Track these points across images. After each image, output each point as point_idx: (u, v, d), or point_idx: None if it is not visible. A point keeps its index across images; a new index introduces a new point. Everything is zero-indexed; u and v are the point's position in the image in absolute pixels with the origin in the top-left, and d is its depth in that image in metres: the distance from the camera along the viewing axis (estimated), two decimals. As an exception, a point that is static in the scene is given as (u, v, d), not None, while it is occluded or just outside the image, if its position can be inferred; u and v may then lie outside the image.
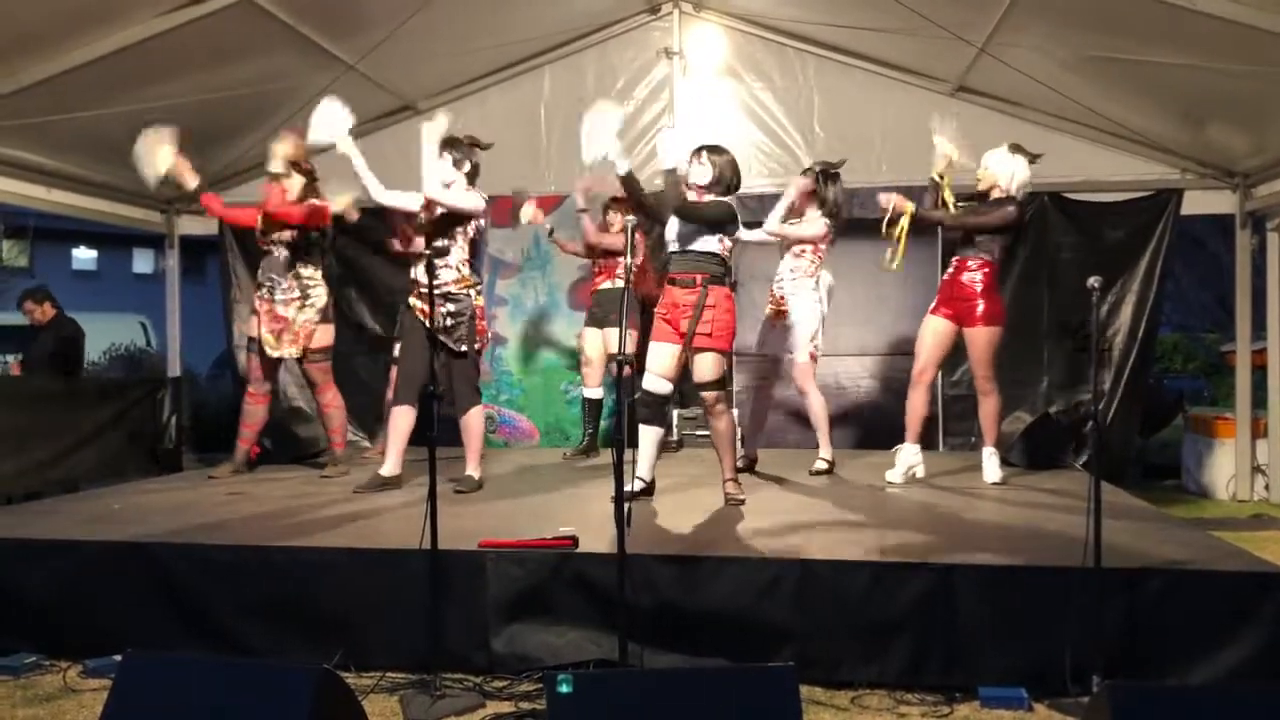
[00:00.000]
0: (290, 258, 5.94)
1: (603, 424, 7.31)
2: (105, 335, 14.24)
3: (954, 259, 5.67)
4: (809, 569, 3.70)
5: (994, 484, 5.59)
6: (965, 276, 5.59)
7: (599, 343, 6.88)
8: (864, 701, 3.48)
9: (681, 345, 4.90)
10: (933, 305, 5.70)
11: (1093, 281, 3.64)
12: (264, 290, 5.99)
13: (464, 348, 5.34)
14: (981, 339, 5.57)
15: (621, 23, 7.89)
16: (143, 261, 24.15)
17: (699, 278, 4.88)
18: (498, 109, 8.02)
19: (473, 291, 5.37)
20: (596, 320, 6.86)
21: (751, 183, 7.47)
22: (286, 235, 5.92)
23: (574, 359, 7.49)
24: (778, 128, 7.79)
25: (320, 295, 6.00)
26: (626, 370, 3.94)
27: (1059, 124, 7.39)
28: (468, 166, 5.38)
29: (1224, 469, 7.51)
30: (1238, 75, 5.67)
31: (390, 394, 5.77)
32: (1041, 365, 7.51)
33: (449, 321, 5.29)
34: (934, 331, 5.64)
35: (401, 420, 5.41)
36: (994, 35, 6.36)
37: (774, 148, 7.70)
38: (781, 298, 6.02)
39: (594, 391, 7.04)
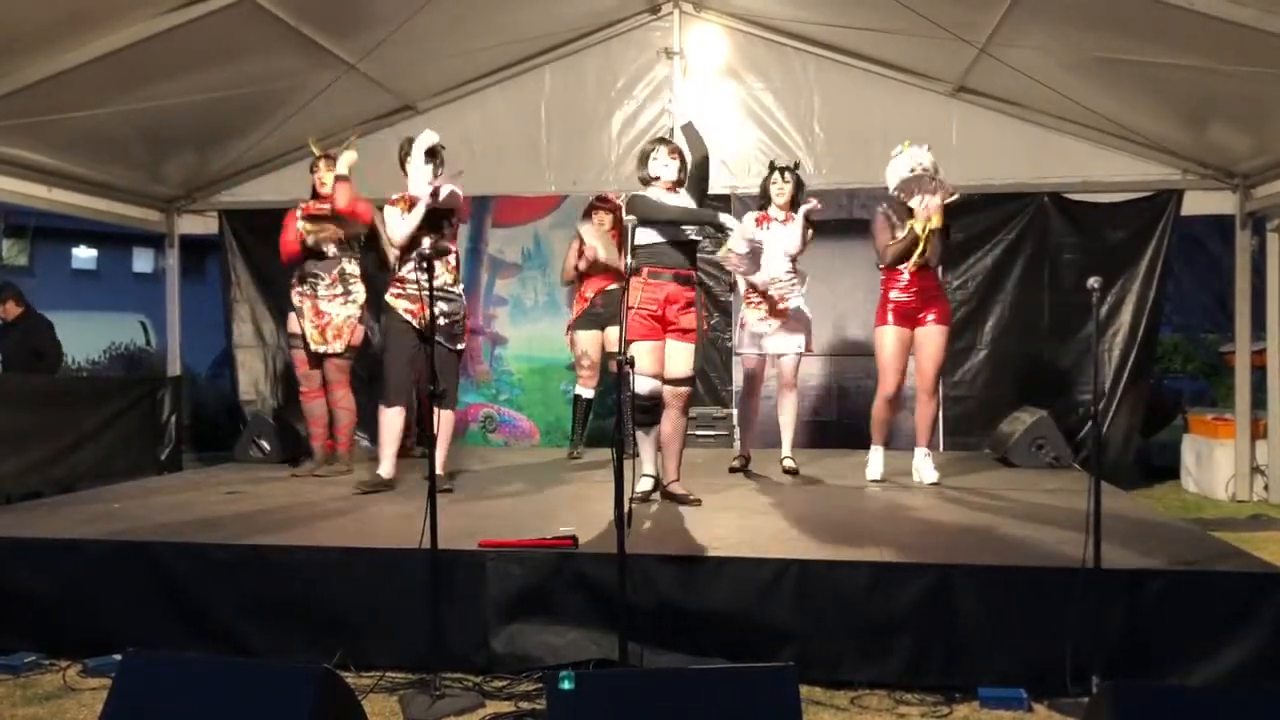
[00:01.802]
0: (337, 254, 6.01)
1: (598, 423, 7.34)
2: (105, 334, 14.27)
3: (911, 267, 5.60)
4: (809, 569, 3.70)
5: (932, 484, 5.64)
6: (932, 282, 5.70)
7: (599, 343, 6.85)
8: (864, 701, 3.48)
9: (663, 340, 4.88)
10: (889, 316, 5.65)
11: (1093, 282, 3.64)
12: (306, 286, 6.01)
13: (460, 346, 5.48)
14: (944, 339, 5.70)
15: (622, 23, 7.88)
16: (142, 261, 24.10)
17: (694, 273, 4.97)
18: (498, 108, 8.02)
19: (460, 289, 5.54)
20: (600, 321, 6.80)
21: (750, 184, 7.50)
22: (335, 233, 6.00)
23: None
24: (778, 128, 7.79)
25: (361, 292, 6.06)
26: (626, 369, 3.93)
27: (1059, 124, 7.39)
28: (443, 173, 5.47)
29: (1223, 469, 7.51)
30: (1238, 76, 5.67)
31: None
32: (1042, 366, 7.51)
33: (443, 320, 5.30)
34: (904, 344, 5.66)
35: (395, 422, 5.45)
36: (995, 36, 6.35)
37: (774, 148, 7.67)
38: (782, 297, 6.04)
39: (589, 391, 7.04)
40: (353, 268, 6.04)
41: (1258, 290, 7.49)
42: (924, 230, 5.50)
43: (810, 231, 6.00)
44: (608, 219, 6.82)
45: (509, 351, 8.11)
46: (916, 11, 6.30)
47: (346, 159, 5.91)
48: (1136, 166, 7.43)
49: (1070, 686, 3.34)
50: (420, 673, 3.63)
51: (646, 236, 4.82)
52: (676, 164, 4.98)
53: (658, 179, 4.96)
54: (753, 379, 6.23)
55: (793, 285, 6.03)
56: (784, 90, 7.80)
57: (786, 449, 6.19)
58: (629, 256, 4.07)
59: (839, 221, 7.56)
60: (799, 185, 6.13)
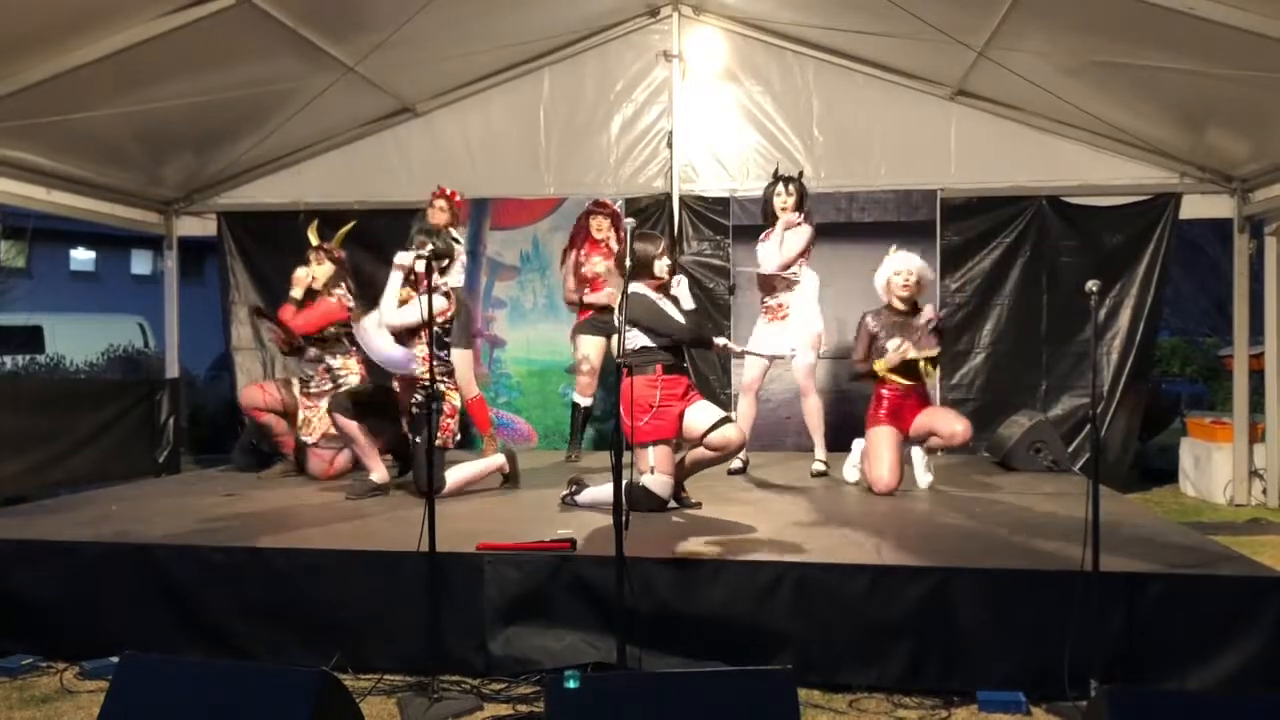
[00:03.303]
0: (319, 353, 6.13)
1: (597, 427, 7.34)
2: (103, 336, 14.27)
3: (900, 385, 5.56)
4: (807, 572, 3.70)
5: (925, 488, 5.64)
6: (923, 388, 5.65)
7: (603, 350, 6.83)
8: (862, 705, 3.48)
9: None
10: (882, 414, 5.56)
11: (1091, 285, 3.64)
12: (299, 383, 6.26)
13: (435, 442, 5.24)
14: (936, 406, 5.82)
15: (621, 25, 7.87)
16: (141, 263, 24.12)
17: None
18: (497, 111, 8.03)
19: (445, 387, 5.36)
20: (605, 329, 6.77)
21: (750, 186, 7.51)
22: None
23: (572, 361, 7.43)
24: (777, 131, 7.79)
25: (352, 383, 6.11)
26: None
27: (1057, 128, 7.40)
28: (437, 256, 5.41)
29: (1221, 473, 7.51)
30: (1236, 80, 5.67)
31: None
32: (1040, 369, 7.51)
33: (414, 410, 5.30)
34: (899, 441, 5.55)
35: (353, 426, 5.44)
36: (993, 39, 6.36)
37: (773, 151, 7.69)
38: (780, 304, 6.06)
39: (587, 400, 7.03)
40: (339, 362, 6.12)
41: (1256, 294, 7.50)
42: (885, 368, 5.49)
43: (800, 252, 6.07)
44: (605, 224, 6.82)
45: (507, 354, 8.10)
46: (915, 15, 6.31)
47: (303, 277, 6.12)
48: (1135, 170, 7.43)
49: (1068, 690, 3.34)
50: (418, 675, 3.63)
51: (658, 343, 4.82)
52: (671, 265, 5.02)
53: (662, 279, 4.94)
54: (752, 381, 6.24)
55: (792, 291, 6.07)
56: (783, 93, 7.80)
57: (819, 451, 6.21)
58: (629, 259, 4.07)
59: (838, 225, 7.56)
60: (803, 195, 6.15)
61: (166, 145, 7.46)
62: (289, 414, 6.28)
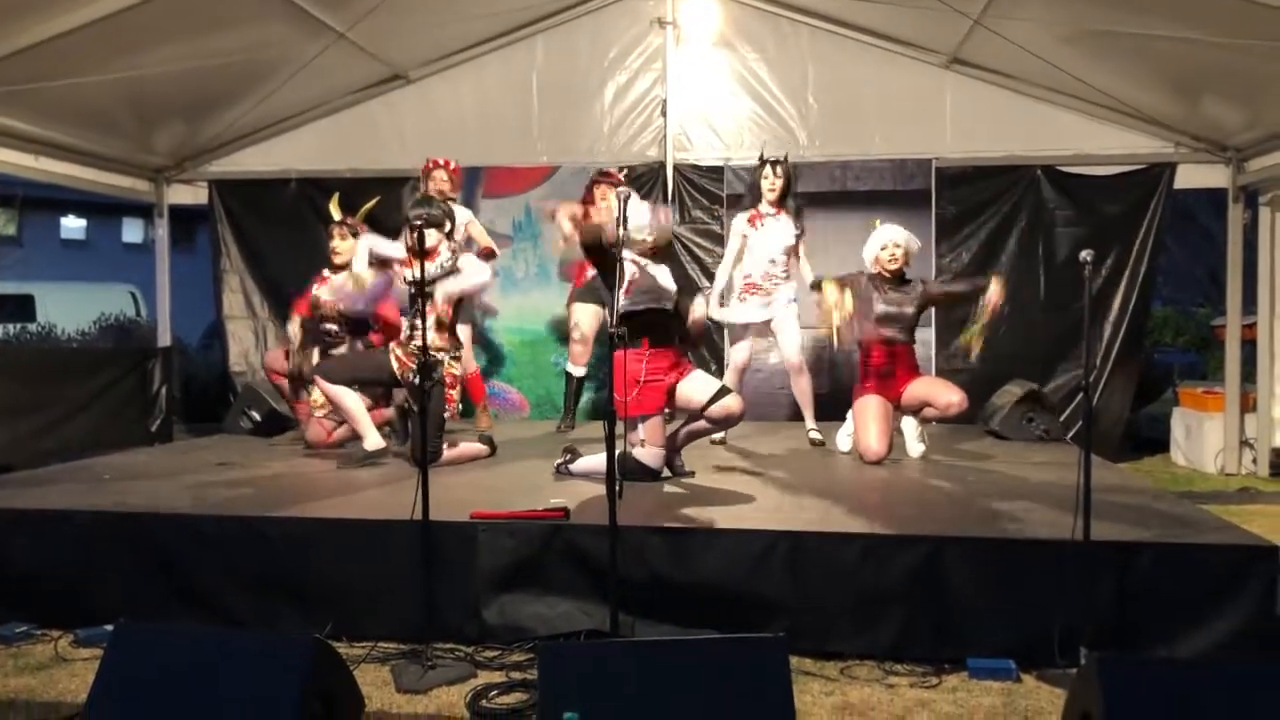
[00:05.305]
0: (340, 333, 6.09)
1: (590, 396, 7.34)
2: (95, 305, 14.23)
3: (896, 346, 5.58)
4: (800, 541, 3.71)
5: (917, 457, 5.65)
6: (910, 355, 5.65)
7: (598, 320, 6.81)
8: (853, 672, 3.50)
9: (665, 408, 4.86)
10: (870, 383, 5.58)
11: (1085, 255, 3.63)
12: (319, 354, 6.20)
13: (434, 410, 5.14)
14: (933, 376, 5.86)
15: (615, -8, 7.82)
16: (132, 231, 23.97)
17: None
18: (490, 78, 7.96)
19: (447, 357, 5.29)
20: (601, 296, 6.74)
21: (744, 155, 7.47)
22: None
23: (564, 331, 7.41)
24: (771, 99, 7.75)
25: None
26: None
27: (1053, 97, 7.37)
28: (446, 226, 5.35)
29: (1213, 442, 7.55)
30: (1231, 49, 5.65)
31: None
32: (1035, 338, 7.51)
33: (415, 379, 5.24)
34: (888, 411, 5.55)
35: (350, 398, 5.38)
36: (989, 7, 6.32)
37: (767, 119, 7.65)
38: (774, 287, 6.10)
39: (580, 370, 7.02)
40: (359, 345, 6.04)
41: (1249, 264, 7.51)
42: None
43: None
44: (611, 194, 6.77)
45: (499, 324, 8.08)
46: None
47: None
48: (1130, 140, 7.42)
49: (1059, 657, 3.36)
50: (412, 643, 3.64)
51: (640, 304, 4.75)
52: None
53: (645, 242, 4.88)
54: (740, 361, 6.27)
55: (782, 282, 6.11)
56: (777, 61, 7.75)
57: (810, 422, 6.27)
58: (622, 229, 4.04)
59: (832, 194, 7.54)
60: (789, 178, 6.13)
61: (156, 112, 7.40)
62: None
